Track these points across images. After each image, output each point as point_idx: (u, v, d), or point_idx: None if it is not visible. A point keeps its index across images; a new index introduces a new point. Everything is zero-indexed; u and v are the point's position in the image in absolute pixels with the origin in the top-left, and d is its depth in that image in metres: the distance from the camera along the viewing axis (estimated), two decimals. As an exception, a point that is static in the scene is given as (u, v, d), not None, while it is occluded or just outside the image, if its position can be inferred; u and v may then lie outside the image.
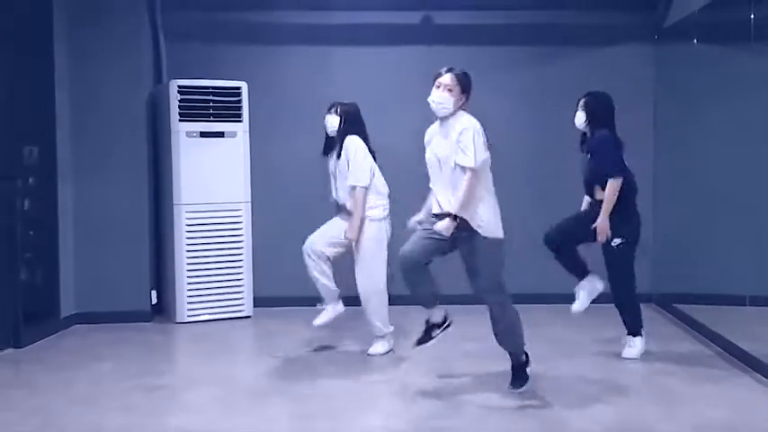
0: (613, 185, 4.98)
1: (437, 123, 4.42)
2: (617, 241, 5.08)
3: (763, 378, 4.66)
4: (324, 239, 5.28)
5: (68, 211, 6.21)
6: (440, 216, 4.31)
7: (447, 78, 4.31)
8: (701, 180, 6.15)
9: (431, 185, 4.41)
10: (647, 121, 6.90)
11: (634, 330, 5.23)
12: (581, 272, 5.21)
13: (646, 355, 5.25)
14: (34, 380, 4.79)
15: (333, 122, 5.24)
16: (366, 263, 5.18)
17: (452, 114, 4.31)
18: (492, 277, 4.36)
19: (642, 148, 6.90)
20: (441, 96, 4.28)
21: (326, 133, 5.32)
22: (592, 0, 6.78)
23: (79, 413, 4.16)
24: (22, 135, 5.71)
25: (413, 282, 4.38)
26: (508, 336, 4.45)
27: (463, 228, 4.27)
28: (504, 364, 4.54)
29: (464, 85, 4.32)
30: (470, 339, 5.60)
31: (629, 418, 4.08)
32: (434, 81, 4.35)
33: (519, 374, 4.47)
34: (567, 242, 5.17)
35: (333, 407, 4.26)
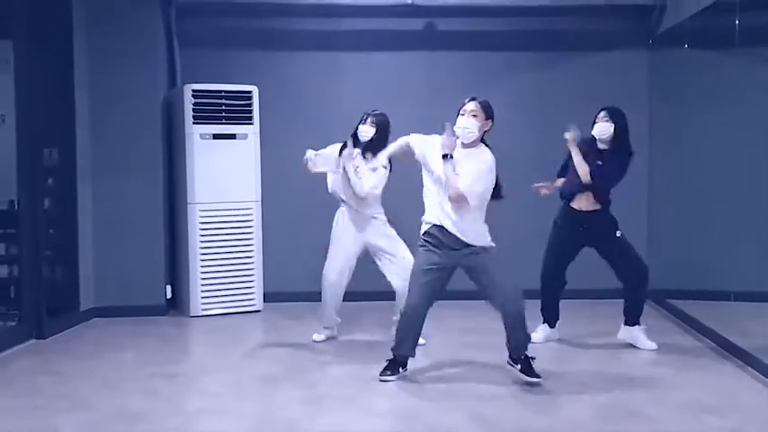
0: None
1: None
2: (619, 232, 5.37)
3: (749, 367, 4.90)
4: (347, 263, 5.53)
5: (87, 209, 6.41)
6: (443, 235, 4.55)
7: (471, 105, 4.54)
8: (694, 181, 6.31)
9: (436, 201, 4.58)
10: (642, 123, 6.95)
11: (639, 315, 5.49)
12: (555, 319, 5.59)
13: (638, 348, 5.48)
14: (60, 368, 5.05)
15: (368, 132, 5.41)
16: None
17: (476, 142, 4.55)
18: (512, 283, 4.60)
19: (637, 150, 7.00)
20: (467, 122, 4.50)
21: (356, 138, 5.44)
22: (588, 7, 6.94)
23: (104, 397, 4.41)
24: (43, 137, 5.92)
25: (414, 332, 4.68)
26: (525, 339, 4.67)
27: (467, 251, 4.54)
28: (501, 354, 4.78)
29: (487, 111, 4.57)
30: (469, 331, 5.89)
31: (619, 402, 4.32)
32: (459, 111, 4.57)
33: (530, 366, 4.65)
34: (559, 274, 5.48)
35: (341, 392, 4.51)
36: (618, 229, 5.39)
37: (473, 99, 4.59)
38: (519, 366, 4.65)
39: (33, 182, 5.78)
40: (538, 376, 4.60)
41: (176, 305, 6.78)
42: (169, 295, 6.74)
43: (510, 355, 4.70)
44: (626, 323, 5.51)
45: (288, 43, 7.08)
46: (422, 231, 4.67)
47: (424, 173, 4.66)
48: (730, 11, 5.37)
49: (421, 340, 5.33)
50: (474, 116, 4.52)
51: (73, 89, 6.26)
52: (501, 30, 7.13)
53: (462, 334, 5.85)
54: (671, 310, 6.56)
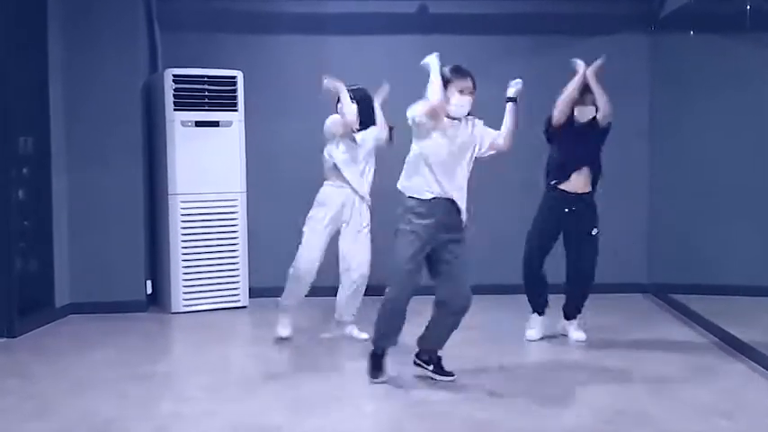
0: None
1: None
2: (596, 230, 5.24)
3: (758, 365, 4.67)
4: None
5: (63, 200, 6.17)
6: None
7: (471, 83, 4.31)
8: (697, 171, 6.15)
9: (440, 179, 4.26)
10: (643, 111, 6.89)
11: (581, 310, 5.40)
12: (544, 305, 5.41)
13: (640, 343, 5.29)
14: (29, 368, 4.79)
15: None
16: None
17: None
18: (468, 281, 4.36)
19: (638, 139, 6.93)
20: (468, 102, 4.30)
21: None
22: (588, -11, 6.75)
23: (73, 400, 4.15)
24: (17, 125, 5.67)
25: (397, 327, 4.35)
26: (446, 340, 4.46)
27: (455, 236, 4.27)
28: (493, 353, 4.50)
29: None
30: (465, 328, 5.62)
31: (623, 404, 4.07)
32: (452, 84, 4.26)
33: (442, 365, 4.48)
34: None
35: (326, 395, 4.25)
36: (596, 227, 5.25)
37: (471, 75, 4.36)
38: (432, 367, 4.43)
39: (5, 171, 5.53)
40: (451, 374, 4.41)
41: (157, 301, 6.53)
42: (150, 291, 6.51)
43: (420, 355, 4.47)
44: (568, 318, 5.41)
45: (274, 26, 6.83)
46: (408, 206, 4.26)
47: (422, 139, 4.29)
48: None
49: (363, 335, 5.23)
50: (471, 94, 4.32)
51: (47, 74, 6.00)
52: (497, 13, 6.91)
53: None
54: (673, 304, 6.38)
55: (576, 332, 5.36)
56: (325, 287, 5.53)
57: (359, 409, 4.09)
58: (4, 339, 5.45)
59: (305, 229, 5.35)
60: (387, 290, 4.32)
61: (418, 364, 4.48)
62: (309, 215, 5.34)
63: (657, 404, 4.06)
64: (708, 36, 6.04)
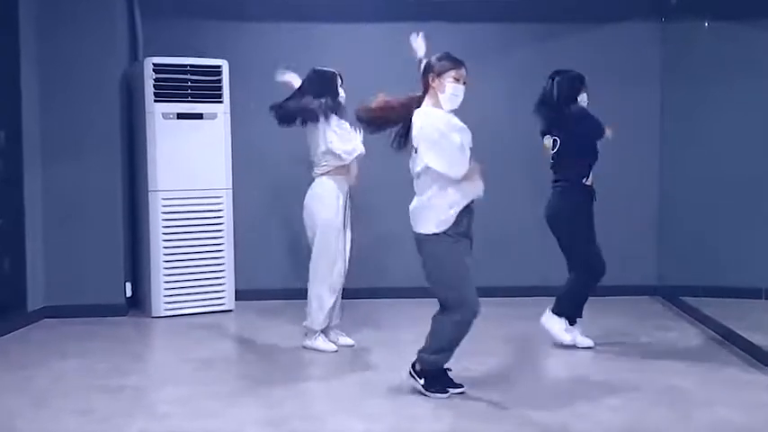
0: None
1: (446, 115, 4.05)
2: None
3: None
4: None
5: (36, 197, 5.92)
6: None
7: (464, 72, 4.05)
8: (709, 168, 5.94)
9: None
10: (654, 101, 6.68)
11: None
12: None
13: (650, 349, 5.01)
14: (-9, 379, 4.46)
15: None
16: None
17: None
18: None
19: (649, 131, 6.71)
20: (462, 91, 4.04)
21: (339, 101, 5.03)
22: (597, -24, 6.53)
23: (32, 415, 3.82)
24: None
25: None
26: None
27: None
28: (496, 363, 4.15)
29: None
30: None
31: (638, 421, 3.72)
32: (449, 70, 4.00)
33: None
34: None
35: (310, 411, 3.94)
36: None
37: (464, 63, 4.07)
38: (422, 381, 4.09)
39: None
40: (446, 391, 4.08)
41: (137, 304, 6.25)
42: (129, 293, 6.23)
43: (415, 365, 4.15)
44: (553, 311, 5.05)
45: (262, 13, 6.57)
46: (451, 215, 3.92)
47: None
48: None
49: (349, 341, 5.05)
50: (465, 84, 4.05)
51: (18, 62, 5.73)
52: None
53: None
54: (683, 307, 6.14)
55: (584, 339, 5.06)
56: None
57: (344, 428, 3.71)
58: (-29, 345, 5.13)
59: (319, 237, 4.90)
60: (466, 305, 3.96)
61: (412, 376, 4.12)
62: (320, 219, 4.90)
63: (677, 423, 3.71)
64: (720, 23, 5.82)
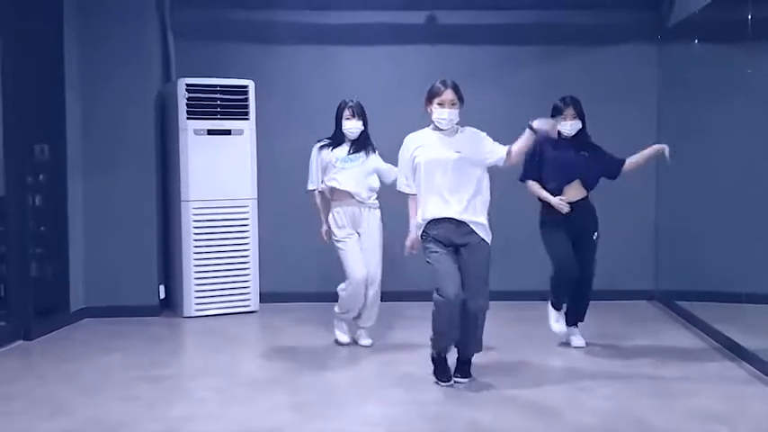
0: None
1: (428, 133, 4.53)
2: (596, 235, 5.31)
3: (760, 373, 4.71)
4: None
5: (78, 207, 6.29)
6: (445, 220, 4.41)
7: (450, 94, 4.45)
8: (704, 179, 6.14)
9: (424, 192, 4.45)
10: (651, 119, 6.93)
11: (583, 318, 5.44)
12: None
13: (643, 349, 5.34)
14: (43, 371, 4.90)
15: (357, 127, 5.32)
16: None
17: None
18: (488, 283, 4.50)
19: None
20: (451, 113, 4.44)
21: (341, 133, 5.36)
22: (596, 0, 6.80)
23: (85, 402, 4.25)
24: (33, 133, 5.81)
25: (455, 323, 4.43)
26: (480, 341, 4.58)
27: (469, 231, 4.43)
28: (505, 354, 4.66)
29: (461, 95, 4.51)
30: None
31: (624, 409, 4.13)
32: (433, 97, 4.46)
33: (469, 366, 4.62)
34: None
35: (332, 399, 4.34)
36: (596, 231, 5.32)
37: (446, 83, 4.50)
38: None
39: (22, 178, 5.67)
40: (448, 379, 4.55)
41: (170, 306, 6.64)
42: (162, 295, 6.61)
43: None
44: (571, 324, 5.43)
45: (285, 37, 6.94)
46: (421, 223, 4.49)
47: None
48: (742, 3, 5.18)
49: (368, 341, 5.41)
50: (453, 105, 4.46)
51: (63, 83, 6.14)
52: (505, 23, 6.98)
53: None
54: (679, 311, 6.40)
55: (577, 338, 5.42)
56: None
57: (362, 413, 4.15)
58: (21, 342, 5.57)
59: (338, 251, 5.35)
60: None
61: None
62: (334, 238, 5.38)
63: (657, 409, 4.10)
64: (713, 45, 6.03)
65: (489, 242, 4.49)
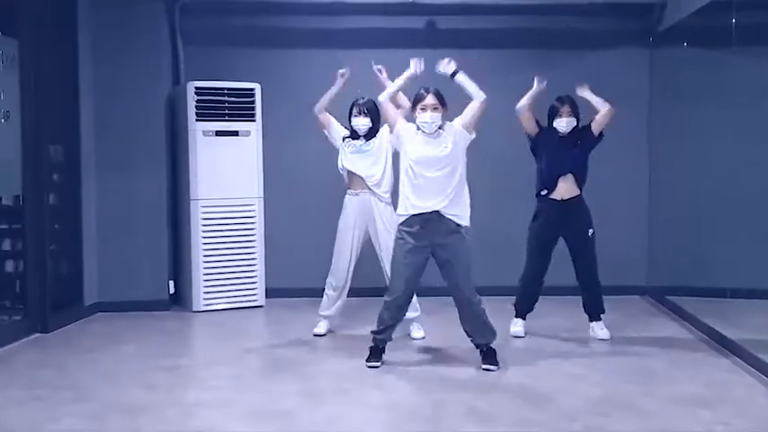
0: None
1: (412, 128, 4.84)
2: (591, 231, 5.51)
3: (743, 362, 4.95)
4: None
5: (91, 205, 6.48)
6: (423, 215, 4.70)
7: (432, 99, 4.76)
8: (693, 178, 6.32)
9: (411, 190, 4.75)
10: (642, 122, 7.14)
11: (602, 309, 5.65)
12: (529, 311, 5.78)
13: (633, 340, 5.57)
14: (62, 360, 5.12)
15: (365, 123, 5.56)
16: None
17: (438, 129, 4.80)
18: (471, 271, 4.78)
19: (637, 149, 7.15)
20: (433, 117, 4.75)
21: (353, 129, 5.61)
22: (589, 6, 6.98)
23: (106, 389, 4.49)
24: (48, 134, 5.97)
25: (400, 315, 4.87)
26: (485, 327, 4.84)
27: (450, 230, 4.70)
28: (501, 344, 4.87)
29: (443, 100, 4.81)
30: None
31: (611, 395, 4.38)
32: (417, 103, 4.78)
33: (493, 355, 4.85)
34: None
35: (339, 385, 4.57)
36: (591, 228, 5.53)
37: (429, 90, 4.80)
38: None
39: (38, 178, 5.85)
40: (496, 364, 4.82)
41: (179, 300, 6.84)
42: (172, 290, 6.81)
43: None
44: (593, 319, 5.67)
45: (291, 41, 7.13)
46: (401, 214, 4.82)
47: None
48: (728, 9, 5.39)
49: (420, 333, 5.46)
50: (435, 109, 4.74)
51: (78, 86, 6.33)
52: (502, 28, 7.18)
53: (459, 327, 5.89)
54: (670, 306, 6.61)
55: (601, 331, 5.62)
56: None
57: (367, 398, 4.38)
58: (38, 334, 5.80)
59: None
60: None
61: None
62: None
63: (644, 395, 4.35)
64: (702, 50, 6.22)
65: (467, 233, 4.77)
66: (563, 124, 5.48)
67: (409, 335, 5.60)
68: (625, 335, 5.77)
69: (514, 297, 5.75)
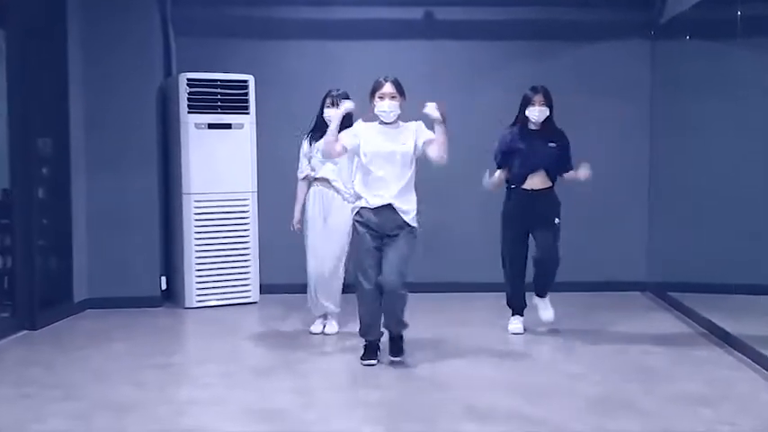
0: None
1: (370, 125, 4.79)
2: (558, 220, 5.47)
3: (746, 358, 4.86)
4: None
5: (81, 199, 6.38)
6: (377, 208, 4.67)
7: (389, 87, 4.74)
8: (695, 173, 6.26)
9: (364, 183, 4.74)
10: (644, 114, 7.07)
11: (551, 287, 5.59)
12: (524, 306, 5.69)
13: (633, 336, 5.50)
14: (51, 358, 5.01)
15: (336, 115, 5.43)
16: None
17: (396, 119, 4.77)
18: (406, 265, 4.72)
19: (638, 143, 7.09)
20: (391, 105, 4.72)
21: (321, 120, 5.49)
22: (590, -3, 6.94)
23: (94, 387, 4.38)
24: (36, 127, 5.86)
25: (374, 307, 4.74)
26: (400, 320, 4.78)
27: (400, 225, 4.67)
28: (493, 344, 4.72)
29: (401, 88, 4.78)
30: (461, 323, 5.85)
31: (612, 393, 4.28)
32: (374, 91, 4.74)
33: (400, 346, 4.83)
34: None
35: (332, 383, 4.49)
36: (558, 217, 5.48)
37: (387, 79, 4.76)
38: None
39: (26, 172, 5.74)
40: (401, 354, 4.81)
41: (171, 297, 6.74)
42: (164, 286, 6.71)
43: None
44: (538, 295, 5.61)
45: (285, 32, 7.03)
46: (356, 206, 4.82)
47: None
48: (731, 0, 5.31)
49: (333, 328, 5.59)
50: (393, 98, 4.72)
51: (67, 78, 6.22)
52: (501, 19, 7.09)
53: (456, 325, 5.82)
54: (670, 301, 6.55)
55: (545, 311, 5.57)
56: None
57: (361, 397, 4.29)
58: (26, 332, 5.68)
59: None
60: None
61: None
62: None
63: (644, 393, 4.25)
64: (704, 42, 6.17)
65: (416, 227, 4.74)
66: (536, 113, 5.42)
67: (323, 331, 5.56)
68: (625, 330, 5.70)
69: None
